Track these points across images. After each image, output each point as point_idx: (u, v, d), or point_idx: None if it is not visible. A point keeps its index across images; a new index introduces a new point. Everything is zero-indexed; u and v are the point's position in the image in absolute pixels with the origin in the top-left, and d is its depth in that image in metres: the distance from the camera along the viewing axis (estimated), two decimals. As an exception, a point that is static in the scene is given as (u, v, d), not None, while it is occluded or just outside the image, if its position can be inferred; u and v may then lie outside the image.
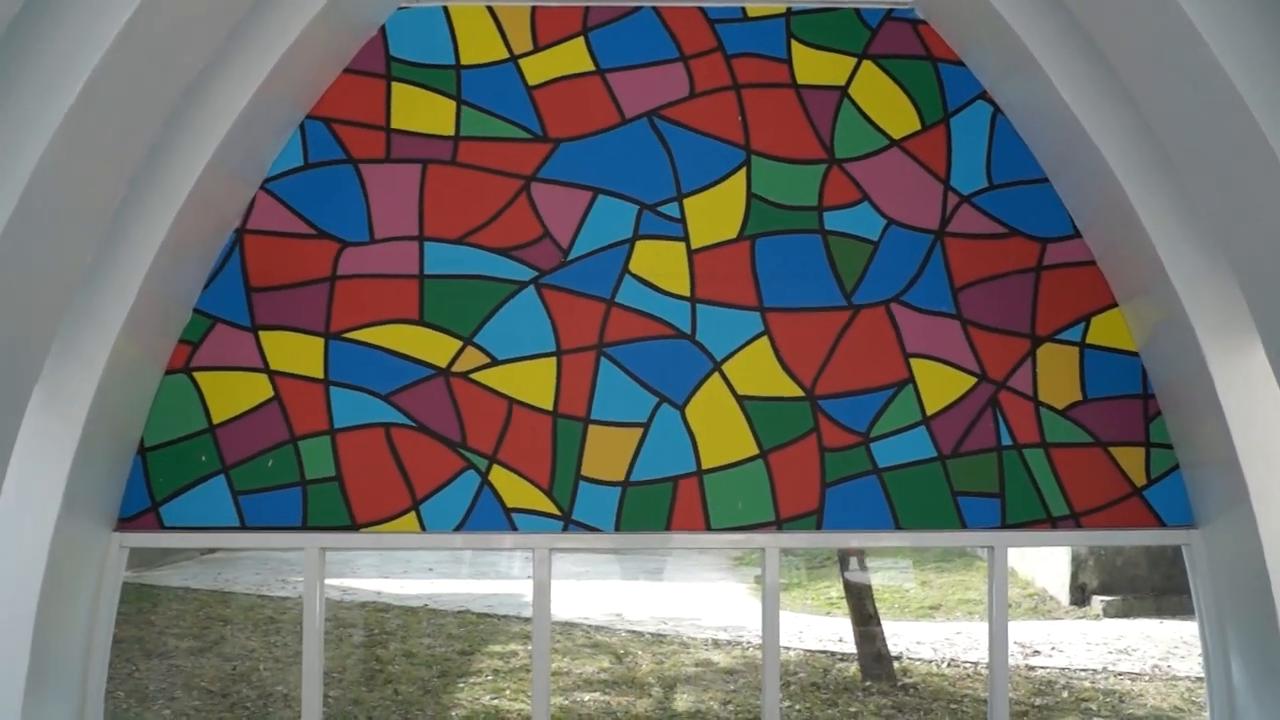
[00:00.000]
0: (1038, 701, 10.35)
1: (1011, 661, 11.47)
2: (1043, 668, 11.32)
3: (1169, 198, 5.58)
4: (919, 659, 11.06)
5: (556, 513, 6.34)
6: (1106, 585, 13.64)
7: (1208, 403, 5.73)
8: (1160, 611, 13.02)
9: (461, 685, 11.07)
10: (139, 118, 5.08)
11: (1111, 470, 6.36)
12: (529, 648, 11.80)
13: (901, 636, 11.91)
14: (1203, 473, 6.13)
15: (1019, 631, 12.81)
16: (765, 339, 6.40)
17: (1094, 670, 11.11)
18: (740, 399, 6.38)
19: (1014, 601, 14.72)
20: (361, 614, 12.82)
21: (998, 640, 6.36)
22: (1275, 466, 5.51)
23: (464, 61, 6.52)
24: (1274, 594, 5.56)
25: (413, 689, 10.88)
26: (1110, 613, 13.32)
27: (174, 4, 4.71)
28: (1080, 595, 13.88)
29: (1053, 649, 11.95)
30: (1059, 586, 14.42)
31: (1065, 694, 10.52)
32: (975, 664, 11.27)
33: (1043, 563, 15.22)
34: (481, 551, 17.91)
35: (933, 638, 12.42)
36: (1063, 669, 11.28)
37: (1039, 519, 6.34)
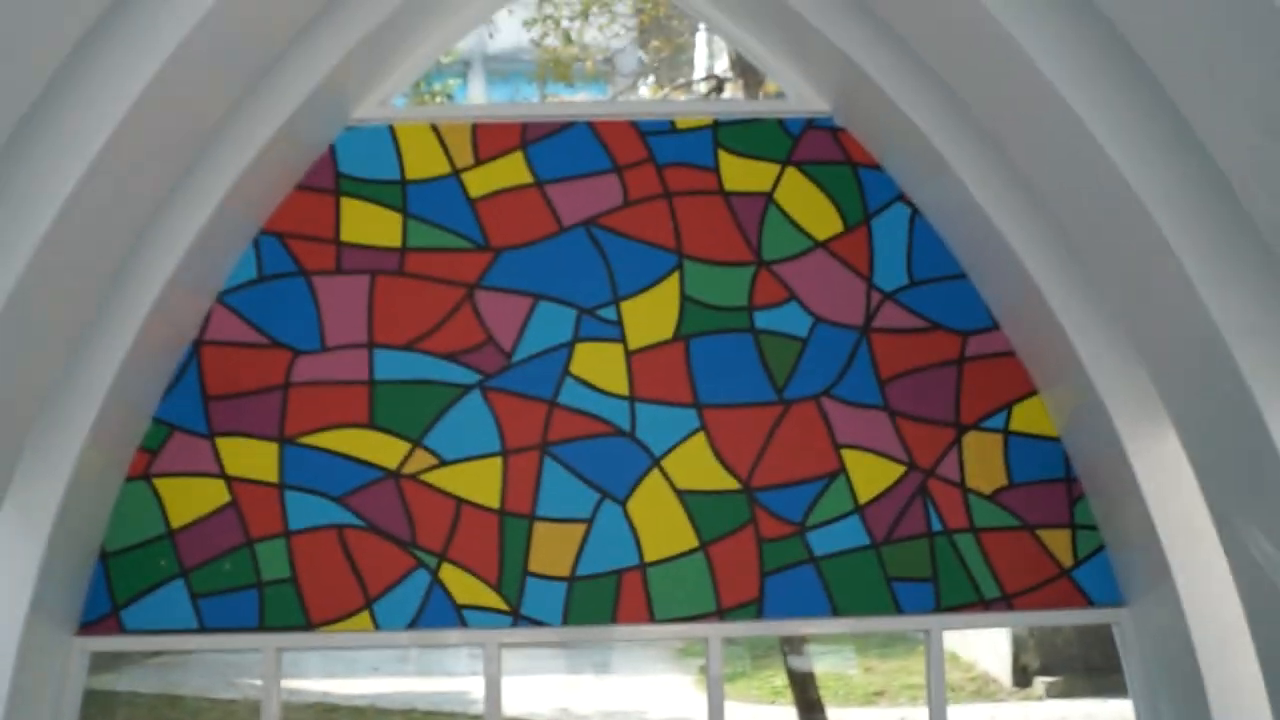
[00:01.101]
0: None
1: (954, 743, 11.70)
2: (985, 748, 11.55)
3: (1080, 291, 5.92)
4: (865, 746, 11.25)
5: (505, 608, 6.54)
6: (1048, 666, 13.91)
7: (1127, 485, 6.04)
8: (1101, 691, 13.28)
9: (413, 785, 11.12)
10: (110, 239, 5.35)
11: (1040, 552, 6.66)
12: (479, 746, 11.92)
13: (847, 722, 12.10)
14: (1127, 552, 6.44)
15: (963, 715, 13.04)
16: (702, 434, 6.68)
17: (1034, 750, 11.37)
18: (680, 493, 6.65)
19: (957, 685, 14.97)
20: (310, 715, 12.82)
21: None
22: (1195, 544, 5.79)
23: (409, 176, 6.83)
24: (1201, 669, 5.83)
25: (363, 791, 10.92)
26: (1053, 693, 13.56)
27: (145, 131, 4.98)
28: (1023, 677, 14.13)
29: (995, 729, 12.19)
30: (1001, 669, 14.67)
31: (1006, 773, 10.76)
32: (919, 748, 11.47)
33: (985, 645, 15.48)
34: (427, 649, 17.96)
35: (877, 724, 12.61)
36: (1005, 749, 11.53)
37: (972, 601, 6.62)
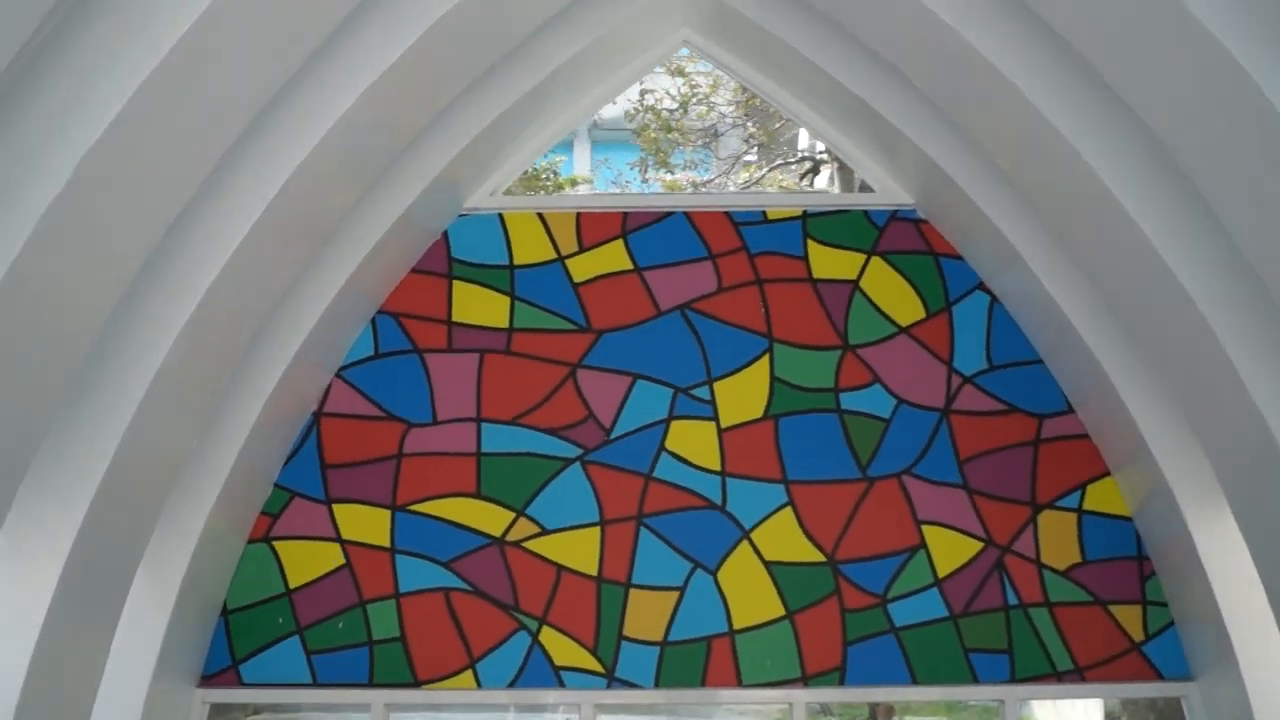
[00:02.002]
0: None
1: (1040, 818, 11.77)
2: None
3: (1146, 379, 6.22)
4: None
5: (601, 670, 6.92)
6: (1136, 741, 13.89)
7: (1193, 564, 6.31)
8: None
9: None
10: (244, 322, 5.89)
11: (1111, 627, 6.90)
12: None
13: (937, 795, 12.19)
14: (1195, 629, 6.66)
15: (1051, 788, 13.04)
16: (789, 509, 7.04)
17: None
18: (767, 564, 7.00)
19: (1048, 761, 14.96)
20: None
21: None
22: (1256, 622, 6.01)
23: (517, 261, 7.32)
24: (1264, 740, 6.06)
25: (462, 845, 11.27)
26: (1143, 771, 13.53)
27: (280, 227, 5.53)
28: (1112, 752, 14.10)
29: (1082, 805, 12.20)
30: (1091, 743, 14.65)
31: None
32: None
33: (1077, 718, 15.47)
34: (523, 714, 18.31)
35: (966, 797, 12.68)
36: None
37: (1046, 673, 6.87)
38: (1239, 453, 5.40)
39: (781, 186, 12.58)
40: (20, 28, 3.65)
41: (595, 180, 13.47)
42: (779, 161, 12.73)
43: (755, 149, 12.52)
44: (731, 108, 12.01)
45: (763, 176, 12.62)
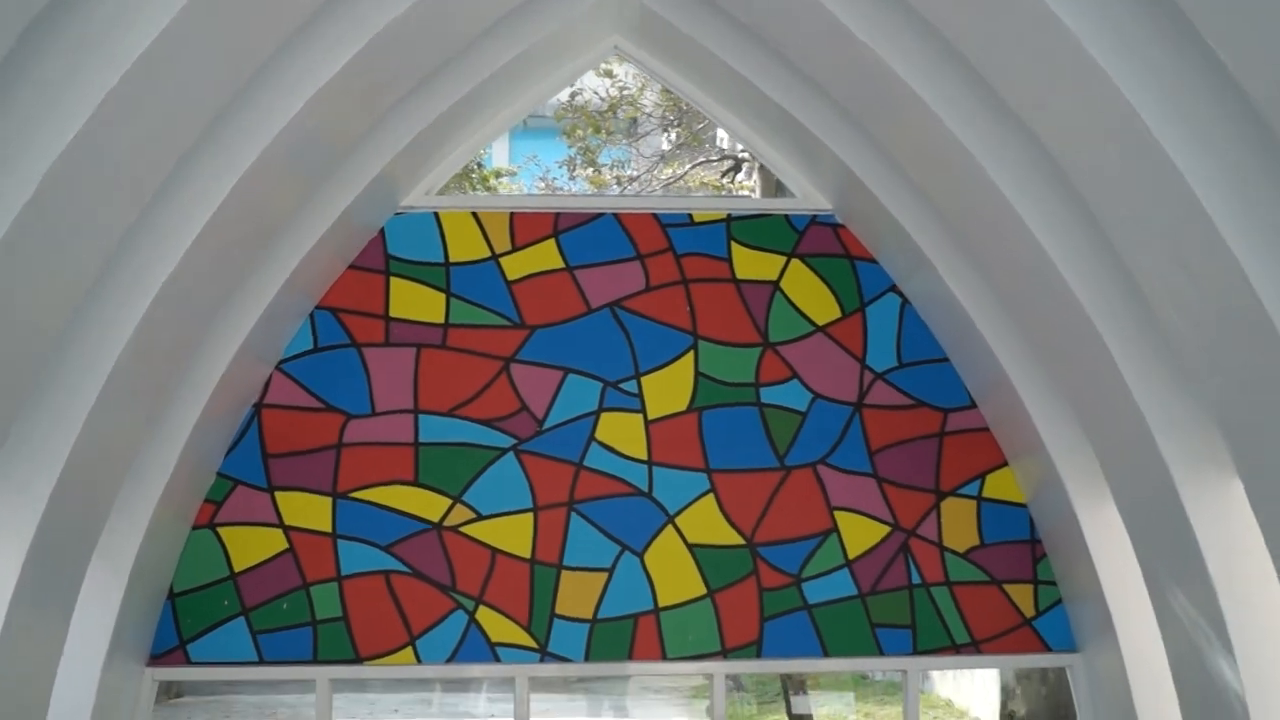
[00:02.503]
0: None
1: (943, 784, 12.42)
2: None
3: (1043, 378, 6.72)
4: (859, 784, 11.95)
5: (534, 646, 7.32)
6: (1033, 713, 14.59)
7: (1079, 548, 6.84)
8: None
9: (437, 813, 11.85)
10: (192, 318, 6.19)
11: (1005, 604, 7.44)
12: (497, 781, 12.64)
13: (845, 764, 12.80)
14: (1080, 606, 7.22)
15: (955, 758, 13.75)
16: (711, 496, 7.47)
17: (1015, 790, 12.07)
18: (690, 546, 7.43)
19: (951, 731, 15.69)
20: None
21: (914, 759, 7.37)
22: (1133, 600, 6.54)
23: (452, 259, 7.66)
24: (1136, 711, 6.60)
25: (392, 818, 11.66)
26: (1038, 740, 14.24)
27: (226, 228, 5.82)
28: (1010, 723, 14.81)
29: (982, 773, 12.90)
30: (990, 715, 15.37)
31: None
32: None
33: (977, 693, 16.20)
34: (449, 692, 18.73)
35: (873, 764, 13.32)
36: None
37: (945, 646, 7.39)
38: (1121, 447, 5.93)
39: (704, 183, 13.01)
40: None
41: (522, 174, 13.80)
42: (701, 159, 13.15)
43: (679, 147, 12.93)
44: (658, 108, 12.40)
45: (686, 173, 13.04)
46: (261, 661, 7.34)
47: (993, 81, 5.29)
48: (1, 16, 3.88)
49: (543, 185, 13.42)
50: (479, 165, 14.12)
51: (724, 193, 13.34)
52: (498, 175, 14.06)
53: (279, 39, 5.34)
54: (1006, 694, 15.24)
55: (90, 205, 4.85)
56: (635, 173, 13.47)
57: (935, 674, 17.96)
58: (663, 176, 13.40)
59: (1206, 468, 5.41)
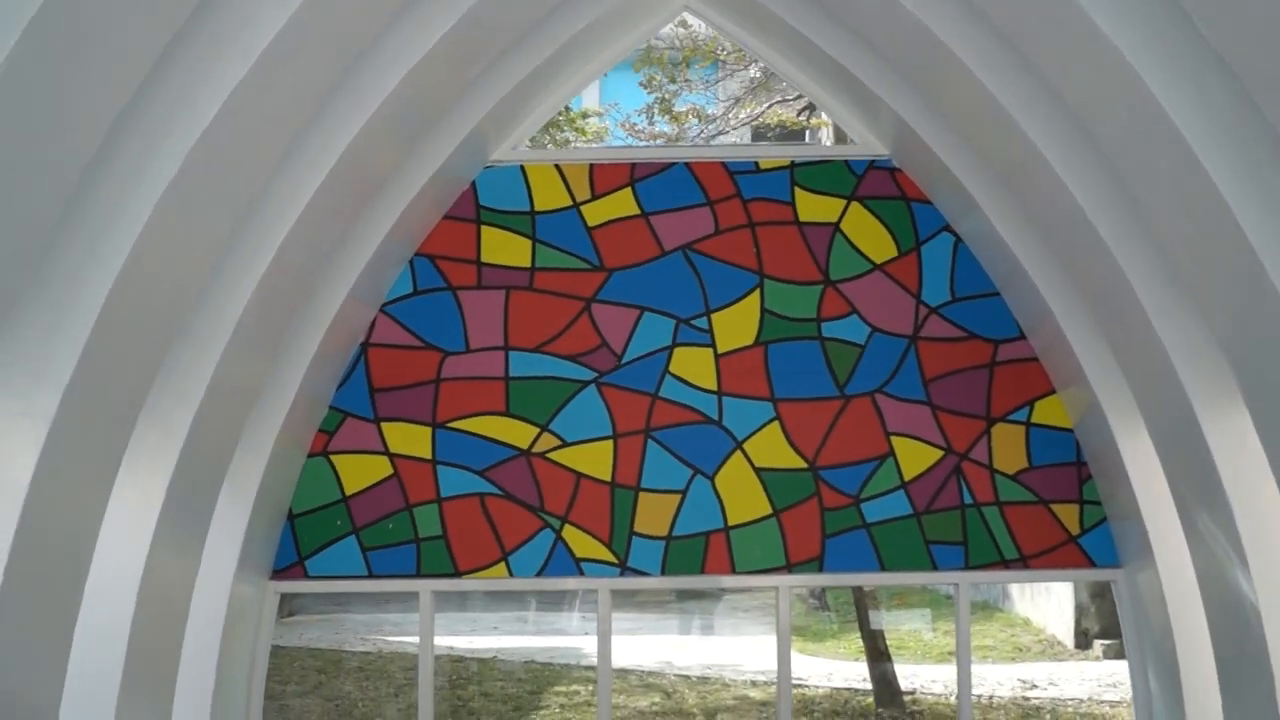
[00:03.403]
0: (1022, 717, 11.91)
1: (1010, 693, 13.04)
2: (1036, 699, 12.84)
3: (1084, 313, 7.22)
4: (930, 694, 12.59)
5: (615, 561, 8.05)
6: (1105, 630, 15.11)
7: (1119, 471, 7.37)
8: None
9: (534, 715, 12.74)
10: (309, 267, 6.92)
11: (1052, 523, 8.00)
12: (590, 688, 13.51)
13: (919, 676, 13.43)
14: (1122, 525, 7.75)
15: (1027, 670, 14.33)
16: (776, 423, 8.10)
17: (1080, 699, 12.63)
18: (757, 470, 8.08)
19: (1027, 646, 16.24)
20: (440, 664, 14.45)
21: (962, 654, 8.01)
22: (1168, 521, 7.07)
23: (537, 208, 8.31)
24: (1170, 618, 7.15)
25: (492, 719, 12.58)
26: (1109, 654, 14.76)
27: (339, 188, 6.53)
28: (1084, 640, 15.35)
29: (1050, 683, 13.47)
30: (1065, 633, 15.90)
31: (1048, 715, 12.06)
32: (979, 697, 12.80)
33: (1053, 612, 16.71)
34: (544, 610, 19.66)
35: (946, 677, 13.93)
36: (1054, 699, 12.80)
37: (995, 561, 7.98)
38: (1149, 378, 6.45)
39: (780, 121, 13.50)
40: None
41: (607, 118, 14.34)
42: (778, 98, 13.62)
43: (756, 89, 13.41)
44: (734, 53, 12.87)
45: (763, 111, 13.54)
46: (371, 575, 8.14)
47: (1022, 47, 5.80)
48: (152, 24, 4.58)
49: (623, 131, 14.00)
50: (567, 108, 14.68)
51: (804, 124, 13.79)
52: (584, 116, 14.63)
53: (380, 23, 6.00)
54: (1080, 612, 15.79)
55: (223, 177, 5.56)
56: (718, 112, 13.99)
57: (1015, 594, 18.47)
58: (741, 115, 13.90)
59: (1221, 397, 5.91)
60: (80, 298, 4.98)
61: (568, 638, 17.75)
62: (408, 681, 14.14)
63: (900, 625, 16.93)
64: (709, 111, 14.48)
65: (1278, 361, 5.19)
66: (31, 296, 4.75)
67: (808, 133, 14.41)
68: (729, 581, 8.16)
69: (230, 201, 5.80)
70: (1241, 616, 6.30)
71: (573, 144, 14.14)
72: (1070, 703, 12.55)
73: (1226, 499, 6.11)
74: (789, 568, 8.03)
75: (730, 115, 13.57)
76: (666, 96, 12.63)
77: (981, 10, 5.92)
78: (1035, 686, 13.31)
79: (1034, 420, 8.06)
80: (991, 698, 12.90)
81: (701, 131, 13.69)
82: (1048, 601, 16.80)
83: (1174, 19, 4.82)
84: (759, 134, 15.88)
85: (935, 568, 8.00)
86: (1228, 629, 6.56)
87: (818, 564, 8.01)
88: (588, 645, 16.52)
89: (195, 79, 5.11)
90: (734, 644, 17.19)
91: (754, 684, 14.08)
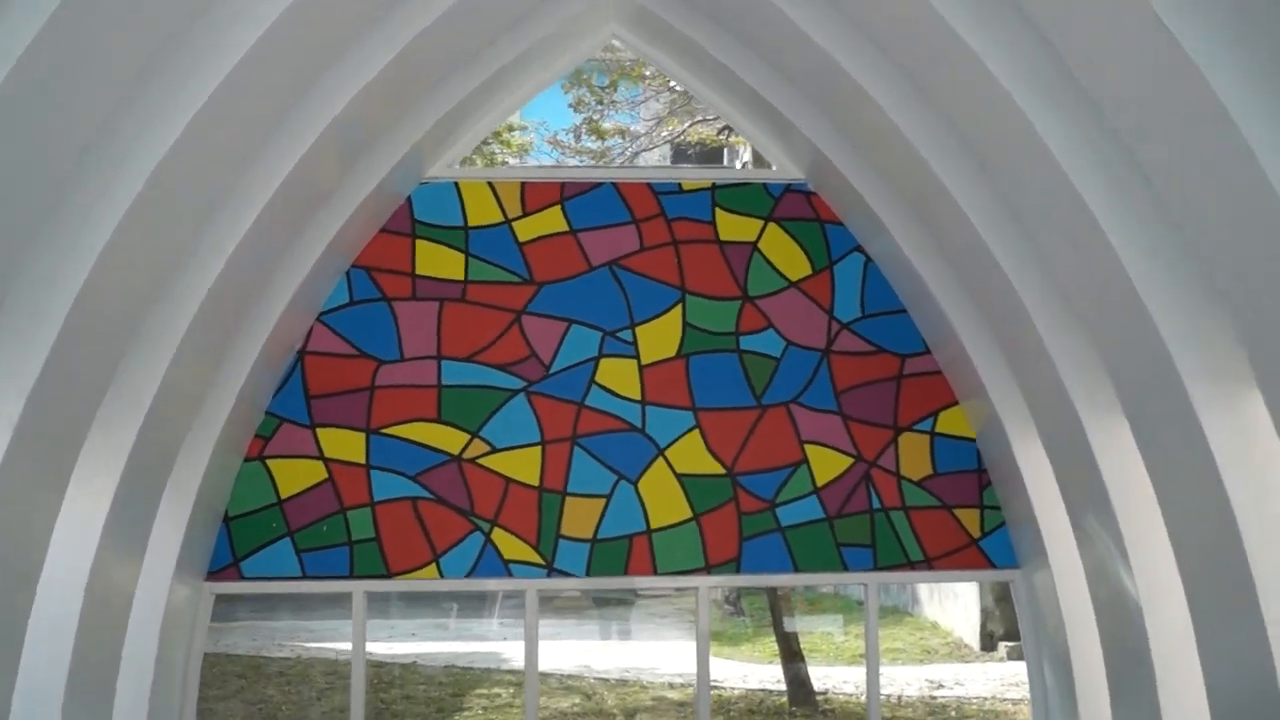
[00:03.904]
0: (928, 716, 12.44)
1: (917, 693, 13.59)
2: (943, 698, 13.40)
3: (985, 330, 7.73)
4: (842, 694, 13.09)
5: (542, 562, 8.42)
6: (1009, 632, 15.75)
7: (1016, 479, 7.88)
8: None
9: (457, 717, 13.05)
10: (251, 280, 7.23)
11: (955, 526, 8.50)
12: (511, 691, 13.85)
13: (832, 677, 13.94)
14: (1019, 529, 8.27)
15: (935, 671, 14.91)
16: (697, 431, 8.53)
17: (984, 698, 13.21)
18: (678, 475, 8.50)
19: (935, 649, 16.85)
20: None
21: (871, 653, 8.48)
22: (1060, 522, 7.59)
23: (470, 223, 8.67)
24: (1063, 615, 7.66)
25: (416, 720, 12.90)
26: (1013, 655, 15.39)
27: (284, 203, 6.85)
28: (989, 641, 15.98)
29: (956, 683, 14.05)
30: (971, 635, 16.53)
31: (953, 713, 12.61)
32: (888, 696, 13.34)
33: (960, 615, 17.35)
34: (464, 617, 19.96)
35: (857, 678, 14.45)
36: (959, 698, 13.37)
37: (901, 562, 8.47)
38: (1044, 394, 6.97)
39: (700, 139, 13.97)
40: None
41: (531, 132, 14.71)
42: (700, 118, 14.08)
43: (679, 108, 13.88)
44: (658, 76, 13.30)
45: (685, 129, 14.00)
46: (305, 576, 8.43)
47: (923, 83, 6.29)
48: (123, 58, 4.90)
49: (551, 143, 14.40)
50: (492, 121, 14.98)
51: (723, 142, 14.25)
52: (510, 129, 14.98)
53: (329, 55, 6.35)
54: (986, 615, 16.43)
55: (182, 195, 5.89)
56: (641, 130, 14.43)
57: (924, 598, 19.12)
58: (664, 134, 14.35)
59: (1105, 409, 6.43)
60: (47, 308, 5.29)
61: (487, 643, 18.08)
62: (329, 686, 14.38)
63: (814, 629, 17.47)
64: (633, 128, 14.91)
65: (1153, 377, 5.70)
66: (4, 306, 5.05)
67: (726, 150, 14.89)
68: (651, 582, 8.56)
69: (188, 218, 6.13)
70: (1125, 611, 6.83)
71: (499, 156, 14.50)
72: (975, 701, 13.11)
73: (1110, 502, 6.64)
74: (708, 569, 8.45)
75: (653, 133, 14.00)
76: (594, 117, 13.06)
77: (886, 48, 6.41)
78: (942, 686, 13.87)
79: (938, 430, 8.56)
80: (900, 697, 13.43)
81: (625, 149, 14.12)
82: (955, 605, 17.44)
83: (1059, 70, 5.32)
84: (680, 151, 16.35)
85: (846, 569, 8.47)
86: (1114, 623, 7.09)
87: (735, 565, 8.45)
88: (507, 650, 16.89)
89: (162, 107, 5.44)
90: (651, 648, 17.64)
91: (671, 685, 14.51)
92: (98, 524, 6.54)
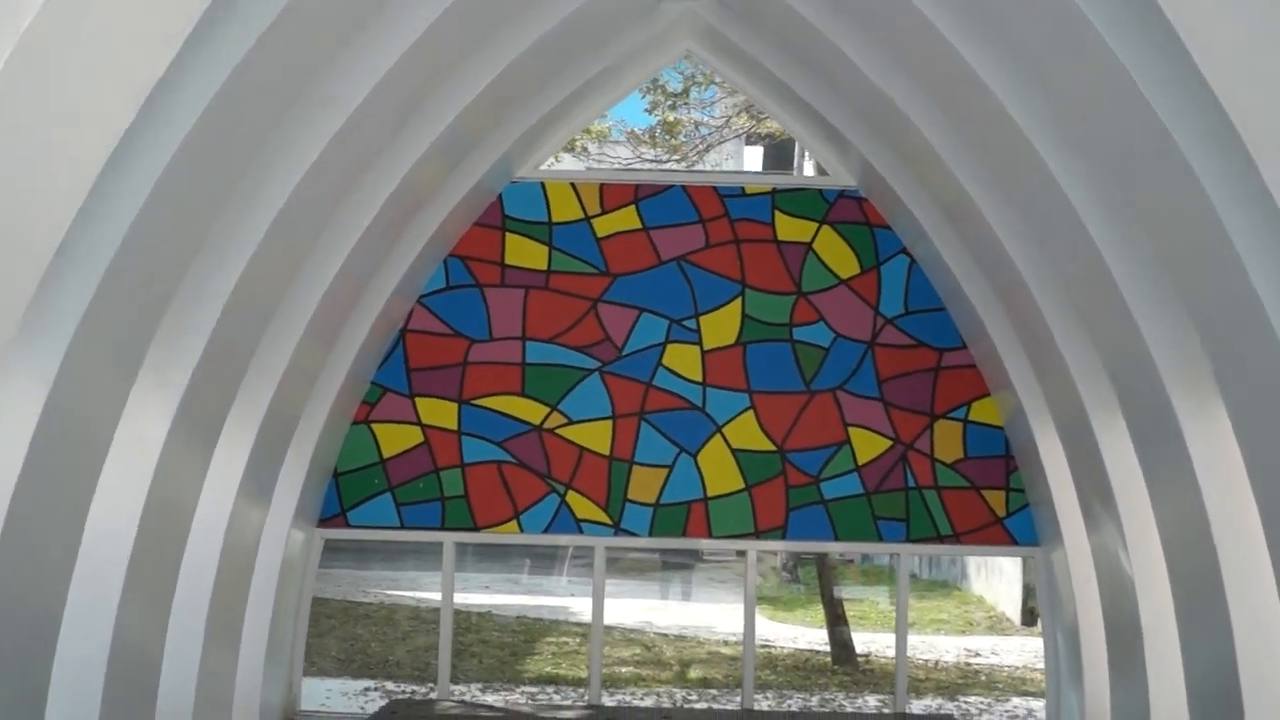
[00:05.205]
0: (959, 680, 13.39)
1: (954, 659, 14.51)
2: (977, 664, 14.33)
3: (1013, 331, 8.62)
4: (883, 657, 14.02)
5: (610, 523, 9.47)
6: (1048, 607, 16.58)
7: (1038, 465, 8.79)
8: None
9: (528, 660, 14.19)
10: (366, 273, 8.31)
11: (982, 506, 9.44)
12: (578, 640, 14.96)
13: (876, 642, 14.87)
14: (1040, 510, 9.19)
15: (973, 642, 15.81)
16: (751, 411, 9.53)
17: (1015, 666, 14.12)
18: (734, 450, 9.51)
19: (979, 621, 17.74)
20: (437, 616, 15.88)
21: (901, 614, 9.46)
22: (1073, 506, 8.48)
23: (554, 219, 9.70)
24: (1073, 589, 8.57)
25: (492, 661, 14.02)
26: (1050, 629, 16.22)
27: (393, 207, 7.90)
28: (1029, 617, 16.82)
29: (992, 653, 14.96)
30: (1014, 610, 17.40)
31: (983, 678, 13.54)
32: (926, 661, 14.29)
33: (1003, 591, 18.22)
34: (534, 574, 21.14)
35: (901, 643, 15.41)
36: (991, 665, 14.29)
37: (931, 536, 9.42)
38: (1059, 392, 7.88)
39: (770, 131, 14.91)
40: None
41: (608, 119, 15.52)
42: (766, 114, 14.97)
43: (749, 106, 14.77)
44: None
45: (754, 126, 14.93)
46: (402, 526, 9.56)
47: (957, 113, 7.19)
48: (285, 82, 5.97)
49: (626, 134, 15.33)
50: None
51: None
52: (587, 131, 15.91)
53: (438, 80, 7.38)
54: (1027, 593, 17.27)
55: (315, 205, 6.96)
56: (714, 125, 15.37)
57: (971, 573, 20.00)
58: (735, 126, 15.29)
59: (1106, 409, 7.33)
60: (207, 301, 6.41)
61: (556, 598, 19.22)
62: (412, 629, 15.58)
63: (863, 598, 18.44)
64: (705, 120, 15.84)
65: (1146, 381, 6.59)
66: (171, 304, 6.15)
67: (797, 143, 15.77)
68: (707, 544, 9.59)
69: (316, 225, 7.21)
70: (1122, 587, 7.74)
71: (579, 141, 15.47)
72: (1005, 669, 14.02)
73: (1112, 491, 7.54)
74: (757, 534, 9.46)
75: (723, 130, 14.94)
76: (669, 120, 14.04)
77: (925, 80, 7.32)
78: (979, 655, 14.77)
79: (971, 418, 9.48)
80: (938, 662, 14.36)
81: (700, 144, 15.08)
82: (1000, 581, 18.31)
83: (1063, 108, 6.22)
84: (751, 141, 17.27)
85: (881, 539, 9.45)
86: (1113, 599, 8.00)
87: (782, 532, 9.45)
88: (574, 605, 18.02)
89: (297, 132, 6.50)
90: (709, 610, 18.64)
91: (725, 643, 15.54)
92: (236, 477, 7.68)
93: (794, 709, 12.02)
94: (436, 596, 17.60)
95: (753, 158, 19.90)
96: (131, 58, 4.95)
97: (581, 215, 9.71)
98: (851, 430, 9.50)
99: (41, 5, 4.37)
